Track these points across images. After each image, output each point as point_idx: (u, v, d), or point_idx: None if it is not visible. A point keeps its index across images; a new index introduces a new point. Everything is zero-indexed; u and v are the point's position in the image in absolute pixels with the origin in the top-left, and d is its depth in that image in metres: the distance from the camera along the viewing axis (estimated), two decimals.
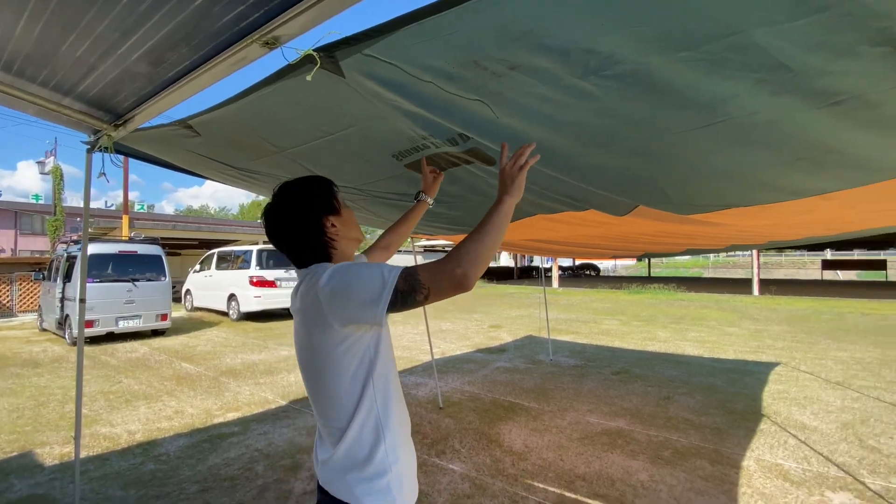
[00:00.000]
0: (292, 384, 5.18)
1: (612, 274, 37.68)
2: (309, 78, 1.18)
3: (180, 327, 9.57)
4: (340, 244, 1.13)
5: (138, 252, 8.43)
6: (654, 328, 9.23)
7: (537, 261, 39.35)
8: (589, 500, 2.65)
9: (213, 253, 11.95)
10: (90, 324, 7.54)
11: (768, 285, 17.80)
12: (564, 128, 1.32)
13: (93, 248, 7.70)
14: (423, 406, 4.39)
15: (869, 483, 2.79)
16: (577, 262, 31.00)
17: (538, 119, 1.29)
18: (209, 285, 11.68)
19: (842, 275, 26.17)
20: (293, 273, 10.96)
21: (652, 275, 30.06)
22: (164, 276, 8.59)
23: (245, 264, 10.72)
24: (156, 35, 1.30)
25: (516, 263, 31.26)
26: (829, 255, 30.96)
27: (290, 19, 1.19)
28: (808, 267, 35.46)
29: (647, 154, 1.42)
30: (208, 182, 3.06)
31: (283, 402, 4.52)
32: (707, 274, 35.74)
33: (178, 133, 1.85)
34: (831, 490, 2.73)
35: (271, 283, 10.46)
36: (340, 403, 0.99)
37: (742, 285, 19.46)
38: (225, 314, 11.19)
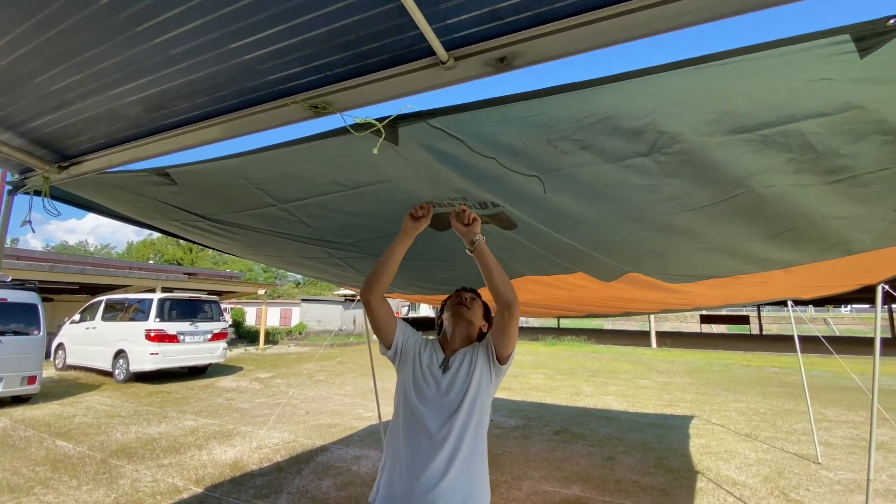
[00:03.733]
0: (206, 465, 4.40)
1: (525, 325, 39.27)
2: (375, 151, 1.08)
3: (49, 391, 7.83)
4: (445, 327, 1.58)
5: (7, 300, 6.90)
6: (577, 382, 9.62)
7: None
8: None
9: (100, 301, 10.25)
10: None
11: (663, 338, 19.76)
12: (607, 202, 1.35)
13: None
14: (368, 485, 3.97)
15: None
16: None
17: (586, 194, 1.30)
18: (91, 339, 9.88)
19: (715, 328, 30.03)
20: (200, 327, 9.76)
21: (561, 326, 31.86)
22: (39, 328, 7.05)
23: (140, 315, 9.31)
24: (175, 81, 1.10)
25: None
26: (703, 310, 35.50)
27: (350, 87, 1.09)
28: (689, 320, 40.27)
29: (667, 228, 1.50)
30: (90, 215, 2.58)
31: (198, 490, 3.79)
32: (607, 326, 38.83)
33: (147, 180, 1.58)
34: None
35: (172, 338, 9.16)
36: None
37: (640, 337, 21.38)
38: (108, 374, 9.46)
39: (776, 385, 9.27)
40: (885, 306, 30.36)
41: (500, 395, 7.91)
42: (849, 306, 44.02)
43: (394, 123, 1.07)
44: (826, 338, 7.50)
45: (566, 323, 37.87)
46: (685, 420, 6.36)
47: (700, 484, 4.00)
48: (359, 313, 25.90)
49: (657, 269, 1.90)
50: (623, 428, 5.90)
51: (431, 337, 1.61)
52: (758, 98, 0.90)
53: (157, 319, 9.08)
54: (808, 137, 0.99)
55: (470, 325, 1.52)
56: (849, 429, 5.88)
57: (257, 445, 5.03)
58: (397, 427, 1.41)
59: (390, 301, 1.68)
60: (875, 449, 4.98)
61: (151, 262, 39.79)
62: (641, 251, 1.69)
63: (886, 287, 2.76)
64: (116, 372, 9.15)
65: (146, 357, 8.76)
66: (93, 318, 10.10)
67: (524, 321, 43.25)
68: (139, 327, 9.02)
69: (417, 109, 1.03)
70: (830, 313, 44.47)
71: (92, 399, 7.51)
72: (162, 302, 9.33)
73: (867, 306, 42.39)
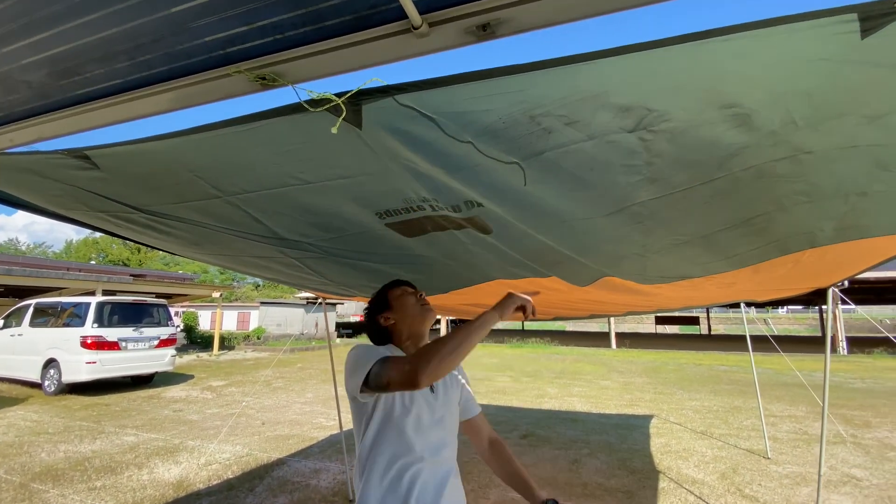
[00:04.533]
0: (146, 486, 4.01)
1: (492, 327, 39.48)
2: (334, 130, 0.93)
3: None
4: (398, 328, 1.33)
5: None
6: (542, 384, 9.68)
7: None
8: None
9: (28, 304, 9.34)
10: None
11: (622, 338, 20.39)
12: (589, 192, 1.26)
13: None
14: (328, 500, 3.73)
15: None
16: (456, 318, 31.88)
17: (568, 183, 1.21)
18: (16, 347, 8.97)
19: (668, 328, 31.43)
20: (145, 332, 9.08)
21: (525, 328, 32.31)
22: None
23: (76, 320, 8.54)
24: (84, 38, 0.90)
25: None
26: (664, 312, 37.13)
27: (305, 56, 0.93)
28: (645, 322, 41.94)
29: (647, 217, 1.42)
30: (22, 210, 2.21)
31: None
32: (569, 328, 39.80)
33: (62, 163, 1.33)
34: None
35: (113, 345, 8.46)
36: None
37: (600, 338, 21.98)
38: (37, 386, 8.61)
39: (726, 383, 9.70)
40: (817, 307, 32.97)
41: None
42: (785, 307, 47.39)
43: (356, 100, 0.92)
44: (767, 337, 7.91)
45: (530, 325, 38.52)
46: (645, 420, 6.49)
47: (662, 484, 4.04)
48: (321, 317, 25.14)
49: (636, 269, 1.84)
50: (587, 430, 5.93)
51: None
52: (752, 76, 0.85)
53: (96, 325, 8.35)
54: (792, 115, 0.95)
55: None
56: (792, 423, 6.18)
57: (206, 461, 4.66)
58: (388, 465, 1.17)
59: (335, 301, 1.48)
60: (816, 442, 5.25)
61: (93, 262, 37.08)
62: (621, 251, 1.62)
63: (836, 290, 2.85)
64: (46, 383, 8.34)
65: (81, 367, 8.03)
66: (19, 325, 9.18)
67: None
68: (74, 334, 8.27)
69: (384, 84, 0.89)
70: (769, 314, 47.69)
71: (15, 415, 6.78)
72: (101, 305, 8.60)
73: (800, 307, 45.79)
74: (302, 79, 0.93)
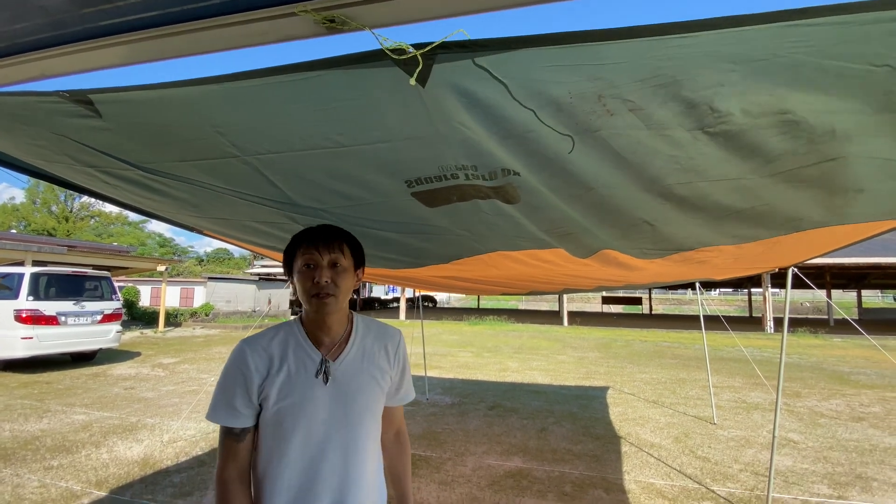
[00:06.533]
0: (108, 464, 3.80)
1: (447, 306, 40.10)
2: (412, 82, 0.89)
3: None
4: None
5: None
6: (503, 359, 10.01)
7: (378, 291, 39.27)
8: None
9: None
10: None
11: (573, 316, 21.36)
12: (626, 169, 1.29)
13: None
14: None
15: (717, 490, 3.42)
16: (418, 293, 32.02)
17: (610, 159, 1.23)
18: None
19: (613, 308, 33.24)
20: (87, 307, 8.42)
21: (481, 307, 33.03)
22: None
23: (7, 293, 7.77)
24: None
25: (358, 294, 30.63)
26: (604, 292, 39.14)
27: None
28: (592, 301, 44.09)
29: (670, 197, 1.48)
30: None
31: (102, 493, 3.25)
32: (522, 306, 41.13)
33: (57, 109, 1.19)
34: (696, 502, 3.25)
35: (51, 320, 7.80)
36: None
37: (552, 316, 22.93)
38: None
39: (670, 357, 10.47)
40: (745, 290, 36.10)
41: (432, 373, 7.94)
42: (717, 289, 51.36)
43: (431, 53, 0.89)
44: (706, 317, 8.58)
45: (485, 303, 39.35)
46: (602, 391, 6.91)
47: (624, 448, 4.35)
48: (274, 293, 24.35)
49: (640, 242, 1.92)
50: (551, 400, 6.24)
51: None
52: (817, 74, 0.85)
53: (31, 298, 7.65)
54: (834, 125, 0.99)
55: None
56: (731, 393, 6.81)
57: (170, 438, 4.47)
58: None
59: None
60: (755, 409, 5.82)
61: (14, 231, 33.58)
62: (635, 223, 1.69)
63: (796, 270, 3.13)
64: None
65: (16, 342, 7.36)
66: None
67: (445, 301, 44.02)
68: (6, 307, 7.54)
69: (468, 38, 0.86)
70: (704, 295, 51.63)
71: None
72: (36, 277, 7.86)
73: (730, 290, 49.73)
74: (377, 24, 0.88)
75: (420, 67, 0.89)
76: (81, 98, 1.14)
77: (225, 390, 1.07)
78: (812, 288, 3.74)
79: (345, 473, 1.07)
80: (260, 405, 1.08)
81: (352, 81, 1.00)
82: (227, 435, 1.07)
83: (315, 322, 1.15)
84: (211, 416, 1.07)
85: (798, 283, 3.51)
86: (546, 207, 1.57)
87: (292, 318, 1.21)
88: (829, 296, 21.97)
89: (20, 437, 4.42)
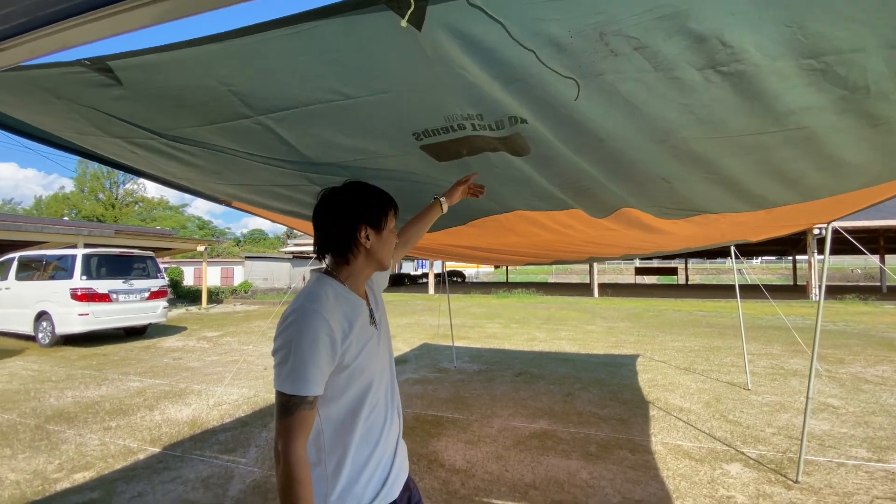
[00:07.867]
0: (160, 425, 4.14)
1: (476, 280, 40.25)
2: (403, 24, 0.89)
3: None
4: (369, 256, 1.21)
5: None
6: (531, 329, 10.04)
7: (407, 267, 39.83)
8: None
9: (12, 258, 9.08)
10: None
11: (604, 288, 21.04)
12: (637, 119, 1.26)
13: None
14: None
15: (747, 452, 3.39)
16: (447, 269, 32.28)
17: (619, 107, 1.20)
18: (4, 301, 8.81)
19: (647, 279, 32.50)
20: (134, 285, 8.97)
21: (510, 280, 32.99)
22: None
23: (63, 273, 8.37)
24: None
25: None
26: (637, 262, 38.15)
27: None
28: (624, 272, 43.23)
29: (686, 153, 1.44)
30: None
31: (156, 450, 3.56)
32: (551, 279, 40.80)
33: (81, 79, 1.25)
34: (725, 463, 3.23)
35: (104, 297, 8.37)
36: None
37: (582, 288, 22.64)
38: (31, 338, 8.56)
39: (704, 326, 10.21)
40: (789, 257, 34.36)
41: (459, 343, 8.09)
42: (760, 258, 49.19)
43: None
44: (743, 286, 8.23)
45: (514, 277, 39.27)
46: (631, 359, 6.85)
47: (652, 412, 4.34)
48: (308, 270, 25.11)
49: (658, 199, 1.87)
50: (578, 368, 6.25)
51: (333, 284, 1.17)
52: (843, 15, 0.80)
53: (84, 277, 8.21)
54: (867, 74, 0.93)
55: None
56: (769, 360, 6.60)
57: (215, 402, 4.79)
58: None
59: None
60: (792, 376, 5.64)
61: (66, 218, 35.77)
62: (651, 177, 1.64)
63: (836, 225, 2.95)
64: (40, 336, 8.29)
65: (74, 318, 7.97)
66: (5, 278, 8.97)
67: (473, 275, 44.23)
68: (63, 286, 8.13)
69: None
70: (745, 265, 49.61)
71: (14, 365, 6.78)
72: (88, 258, 8.41)
73: (773, 258, 47.48)
74: None
75: (412, 9, 0.89)
76: (101, 66, 1.19)
77: (315, 359, 0.99)
78: (864, 253, 3.52)
79: (392, 405, 1.22)
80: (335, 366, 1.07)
81: (350, 29, 1.01)
82: (303, 406, 0.97)
83: (363, 274, 1.22)
84: (309, 389, 0.97)
85: (848, 248, 3.32)
86: (557, 159, 1.55)
87: (316, 275, 1.20)
88: (882, 261, 20.65)
89: (81, 402, 4.85)
